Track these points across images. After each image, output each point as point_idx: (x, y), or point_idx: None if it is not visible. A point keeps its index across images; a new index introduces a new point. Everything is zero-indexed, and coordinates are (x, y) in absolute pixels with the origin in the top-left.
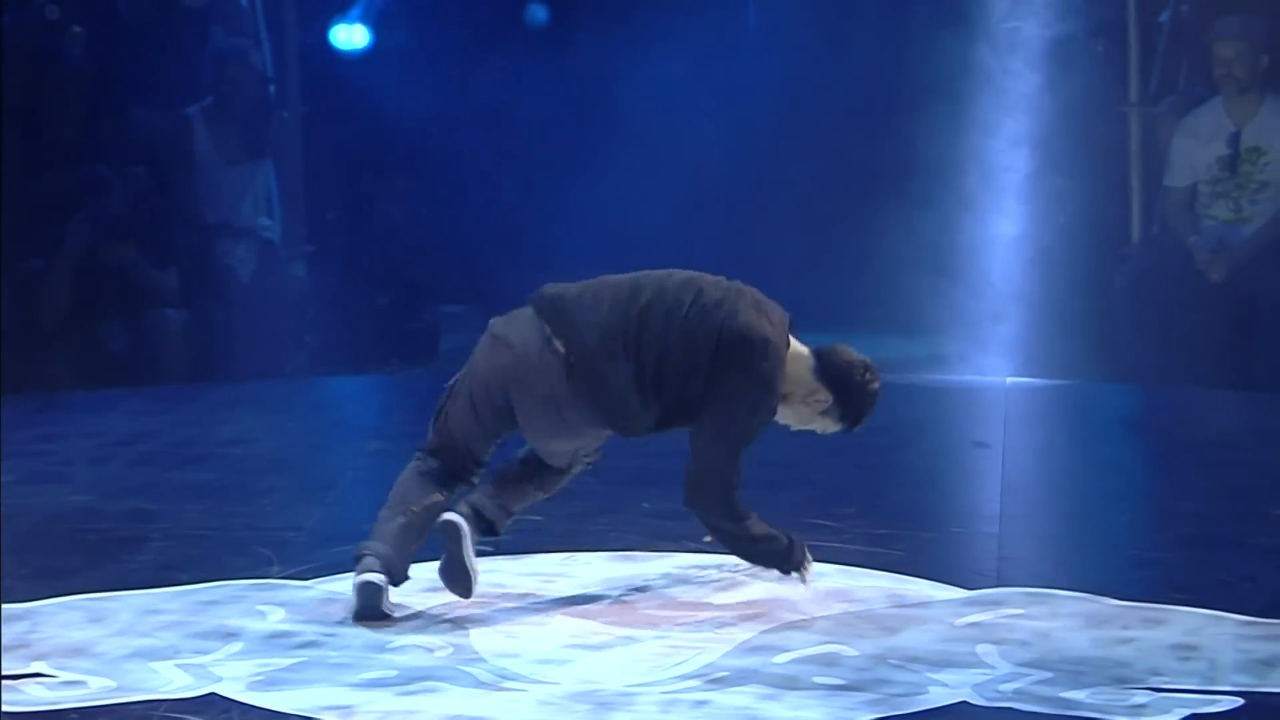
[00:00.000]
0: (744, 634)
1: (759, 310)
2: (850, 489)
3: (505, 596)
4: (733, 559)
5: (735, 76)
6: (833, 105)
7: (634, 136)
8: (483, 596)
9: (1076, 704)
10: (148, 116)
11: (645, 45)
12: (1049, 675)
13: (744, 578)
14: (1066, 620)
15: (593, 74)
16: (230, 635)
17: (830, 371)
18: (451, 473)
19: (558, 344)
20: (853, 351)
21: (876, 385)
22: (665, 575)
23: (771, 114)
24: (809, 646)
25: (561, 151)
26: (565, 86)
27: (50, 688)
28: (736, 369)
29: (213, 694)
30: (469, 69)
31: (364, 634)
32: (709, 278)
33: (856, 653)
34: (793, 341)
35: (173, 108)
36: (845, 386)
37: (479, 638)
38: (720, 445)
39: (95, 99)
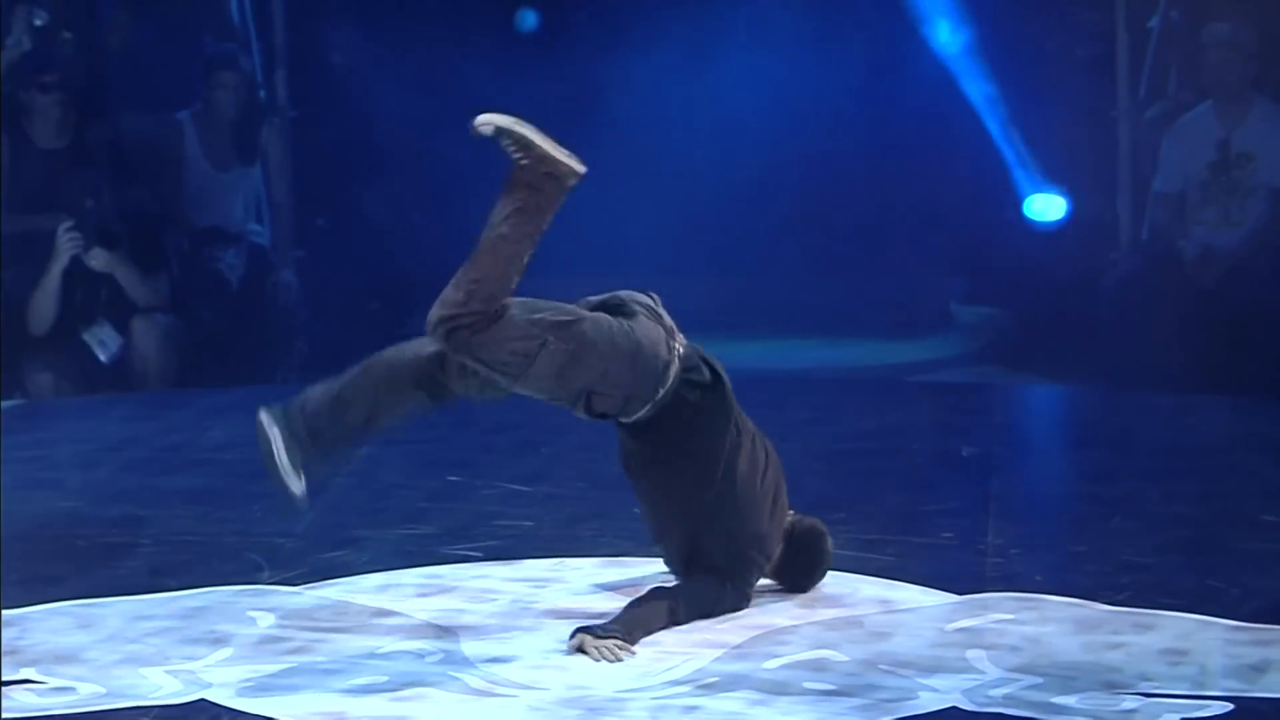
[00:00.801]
0: (734, 639)
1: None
2: (840, 494)
3: (495, 602)
4: None
5: (727, 79)
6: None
7: (624, 140)
8: (473, 602)
9: (1067, 709)
10: (137, 121)
11: (636, 48)
12: (1039, 680)
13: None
14: (1056, 625)
15: (583, 77)
16: (220, 641)
17: (787, 556)
18: None
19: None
20: (824, 547)
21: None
22: (656, 580)
23: (765, 117)
24: (799, 652)
25: None
26: (556, 90)
27: (39, 694)
28: (749, 563)
29: (202, 700)
30: (462, 71)
31: (354, 640)
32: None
33: (847, 658)
34: None
35: (163, 113)
36: (791, 571)
37: (469, 644)
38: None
39: (85, 103)
